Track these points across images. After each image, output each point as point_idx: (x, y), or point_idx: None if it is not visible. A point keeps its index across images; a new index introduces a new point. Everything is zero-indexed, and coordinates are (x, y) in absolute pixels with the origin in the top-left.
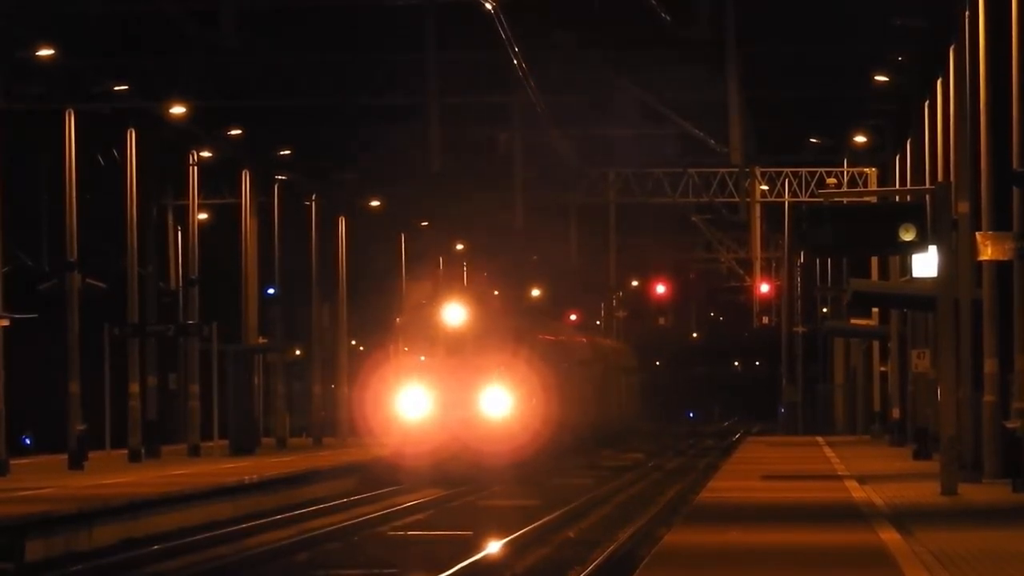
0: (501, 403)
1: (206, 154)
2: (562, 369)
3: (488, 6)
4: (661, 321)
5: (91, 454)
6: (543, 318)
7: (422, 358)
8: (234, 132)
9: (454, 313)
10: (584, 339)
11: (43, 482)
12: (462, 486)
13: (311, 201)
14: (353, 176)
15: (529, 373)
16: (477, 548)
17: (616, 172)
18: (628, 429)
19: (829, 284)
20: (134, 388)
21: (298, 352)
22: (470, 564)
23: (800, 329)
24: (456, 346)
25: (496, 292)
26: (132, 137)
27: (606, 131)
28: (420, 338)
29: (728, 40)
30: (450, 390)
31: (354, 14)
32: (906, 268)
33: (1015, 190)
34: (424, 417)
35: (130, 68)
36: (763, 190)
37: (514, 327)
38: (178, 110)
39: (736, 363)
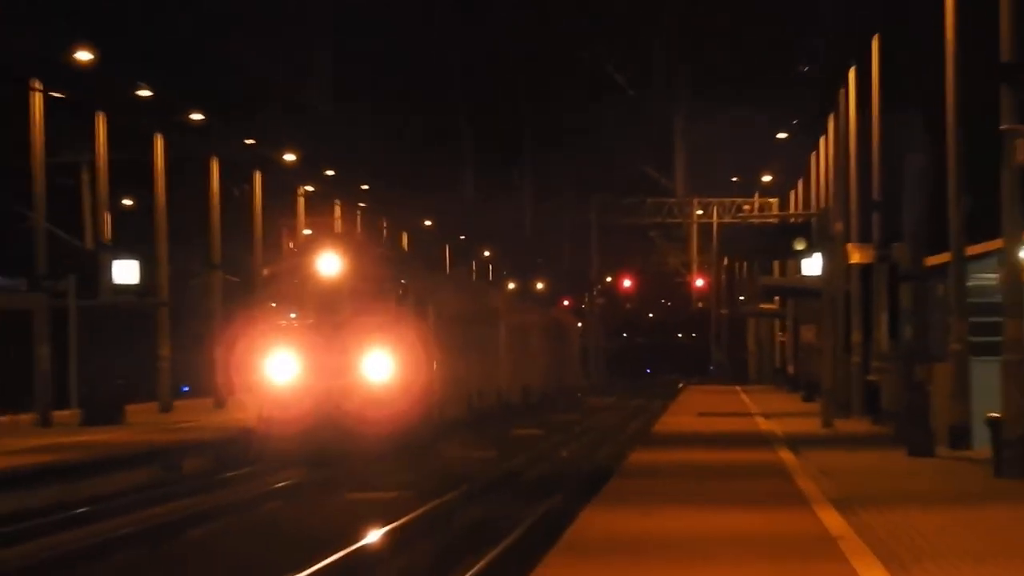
0: (381, 368)
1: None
2: (468, 331)
3: None
4: (627, 306)
5: None
6: (442, 274)
7: (292, 315)
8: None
9: (327, 264)
10: (502, 301)
11: None
12: (322, 468)
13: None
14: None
15: (419, 334)
16: None
17: (599, 197)
18: (563, 393)
19: (745, 279)
20: None
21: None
22: None
23: (724, 311)
24: (329, 302)
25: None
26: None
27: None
28: (289, 293)
29: (679, 108)
30: (321, 352)
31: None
32: (799, 269)
33: (875, 214)
34: (291, 384)
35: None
36: (699, 214)
37: (400, 280)
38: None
39: (680, 335)
